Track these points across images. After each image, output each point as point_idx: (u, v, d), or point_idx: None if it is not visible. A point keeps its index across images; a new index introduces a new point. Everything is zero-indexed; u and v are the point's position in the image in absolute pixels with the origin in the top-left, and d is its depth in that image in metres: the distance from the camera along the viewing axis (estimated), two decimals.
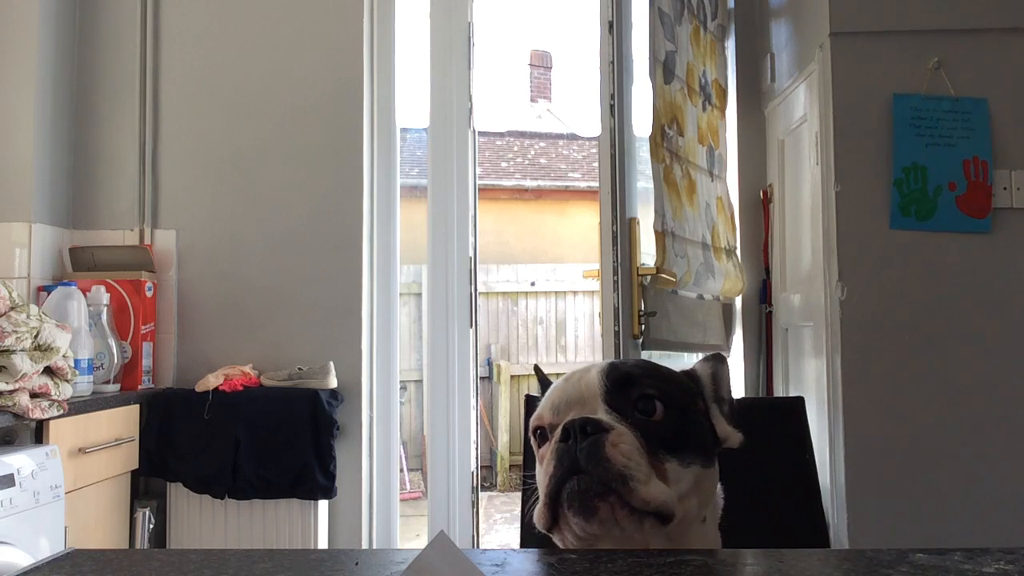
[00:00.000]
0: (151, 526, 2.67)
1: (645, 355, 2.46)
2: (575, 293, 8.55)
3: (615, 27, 2.41)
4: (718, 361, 0.96)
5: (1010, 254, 2.44)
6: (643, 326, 2.38)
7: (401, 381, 3.20)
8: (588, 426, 0.79)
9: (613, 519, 0.76)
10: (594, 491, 0.76)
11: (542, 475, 0.82)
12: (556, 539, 0.83)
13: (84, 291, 2.58)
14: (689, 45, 2.88)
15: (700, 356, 3.22)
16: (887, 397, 2.41)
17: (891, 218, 2.46)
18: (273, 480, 2.66)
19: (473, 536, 3.08)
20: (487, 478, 7.20)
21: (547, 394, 0.90)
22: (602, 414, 0.82)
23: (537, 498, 0.83)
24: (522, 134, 11.85)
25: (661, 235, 2.47)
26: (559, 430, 0.81)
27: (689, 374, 0.94)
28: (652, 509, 0.76)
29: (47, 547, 2.03)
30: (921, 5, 2.50)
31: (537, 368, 0.97)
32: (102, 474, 2.44)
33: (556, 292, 8.52)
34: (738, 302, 3.19)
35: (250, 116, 2.98)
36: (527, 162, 11.31)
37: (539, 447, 0.88)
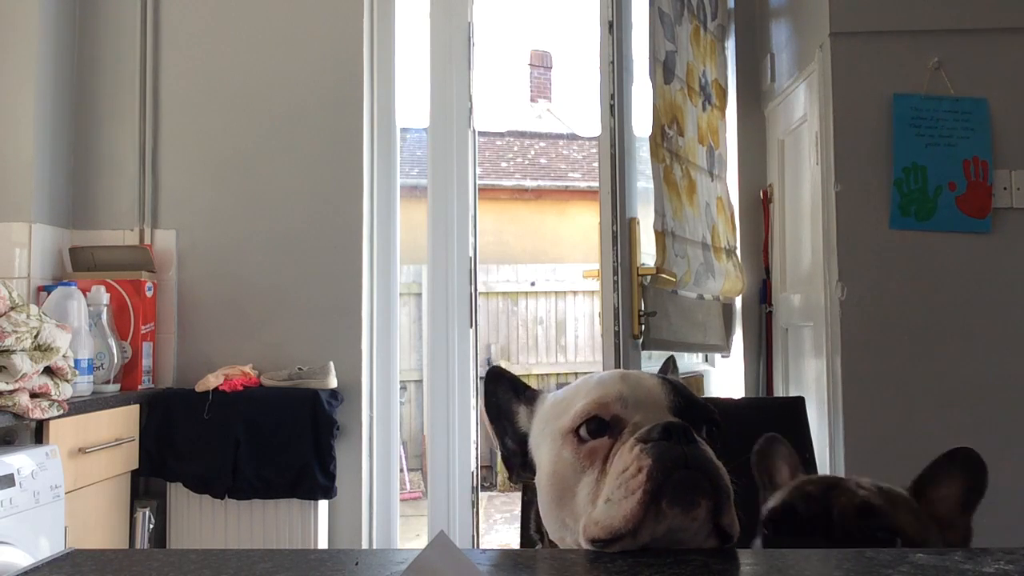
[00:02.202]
0: (151, 526, 2.67)
1: (645, 355, 2.46)
2: (575, 293, 8.56)
3: (615, 27, 2.41)
4: (674, 367, 0.98)
5: (1010, 254, 2.44)
6: (643, 326, 2.38)
7: (401, 381, 3.20)
8: (688, 433, 0.76)
9: (700, 520, 0.74)
10: (702, 488, 0.74)
11: (616, 471, 0.76)
12: (581, 540, 0.78)
13: (84, 291, 2.57)
14: (689, 45, 2.88)
15: (699, 356, 3.20)
16: (887, 397, 2.41)
17: (891, 218, 2.46)
18: (273, 480, 2.66)
19: (473, 536, 3.08)
20: (487, 478, 7.20)
21: (598, 386, 0.83)
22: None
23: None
24: (522, 134, 11.85)
25: (661, 235, 2.47)
26: (657, 428, 0.76)
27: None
28: (727, 529, 0.75)
29: (47, 547, 2.03)
30: (921, 5, 2.50)
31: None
32: (102, 474, 2.44)
33: (556, 292, 8.52)
34: (738, 302, 3.19)
35: (250, 116, 2.98)
36: (527, 162, 11.31)
37: (585, 442, 0.80)
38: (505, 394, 0.94)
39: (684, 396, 0.83)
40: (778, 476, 1.02)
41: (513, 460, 0.92)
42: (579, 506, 0.78)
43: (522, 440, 0.91)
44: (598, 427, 0.80)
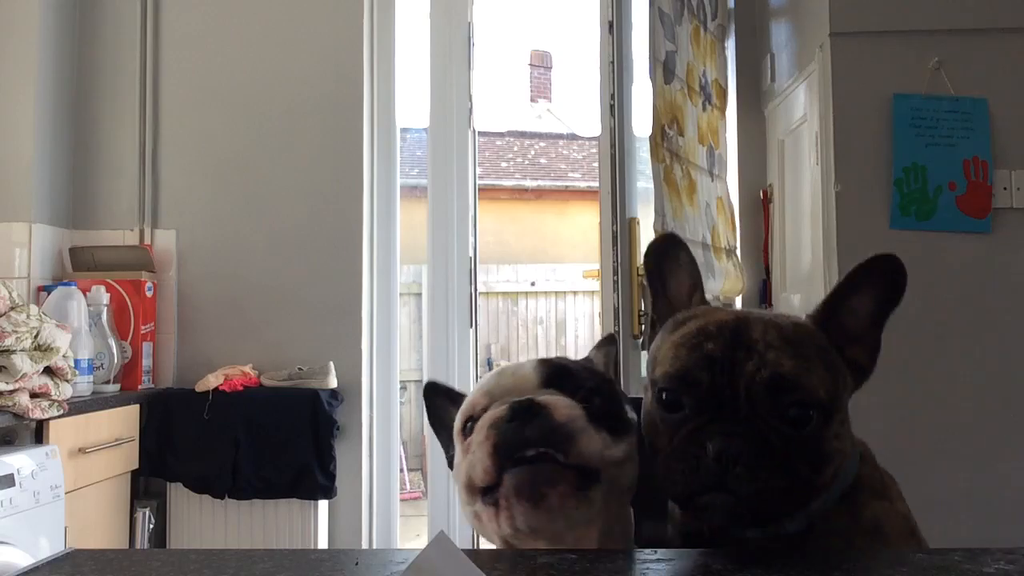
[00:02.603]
0: (151, 526, 2.67)
1: (645, 355, 2.46)
2: (575, 293, 8.56)
3: (615, 27, 2.41)
4: (611, 344, 1.00)
5: (1010, 254, 2.44)
6: (643, 326, 2.38)
7: (401, 381, 3.20)
8: (533, 405, 0.78)
9: (562, 506, 0.75)
10: (544, 476, 0.75)
11: (475, 458, 0.79)
12: (488, 527, 0.80)
13: (84, 291, 2.58)
14: (689, 45, 2.88)
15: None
16: (887, 397, 2.41)
17: (891, 218, 2.46)
18: (273, 480, 2.66)
19: (473, 536, 3.08)
20: None
21: (478, 386, 0.87)
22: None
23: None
24: (522, 134, 11.85)
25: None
26: (503, 408, 0.79)
27: (588, 364, 0.95)
28: (586, 461, 0.77)
29: (47, 547, 2.03)
30: (921, 5, 2.50)
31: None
32: (102, 474, 2.44)
33: (556, 292, 8.52)
34: (738, 302, 3.19)
35: (250, 116, 2.98)
36: (527, 162, 11.31)
37: (467, 438, 0.83)
38: (443, 405, 0.96)
39: (557, 371, 0.85)
40: (674, 286, 0.91)
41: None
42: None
43: None
44: (469, 429, 0.83)
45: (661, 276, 0.92)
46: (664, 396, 0.79)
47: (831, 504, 0.80)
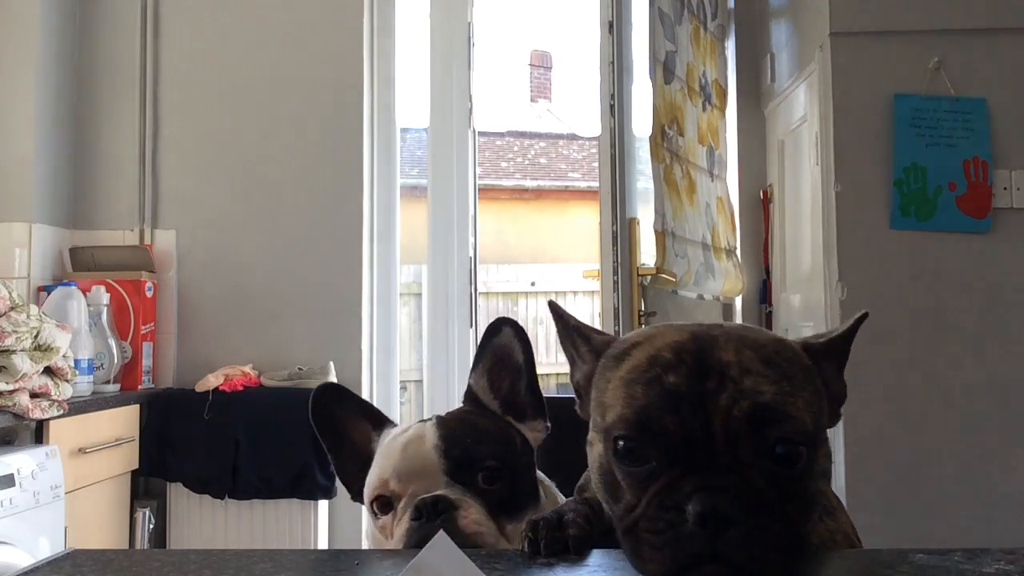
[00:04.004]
0: (151, 526, 2.66)
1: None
2: (575, 293, 8.56)
3: (615, 27, 2.41)
4: (494, 337, 0.95)
5: (1010, 254, 2.44)
6: (643, 326, 2.38)
7: (401, 381, 3.20)
8: (439, 503, 0.82)
9: None
10: None
11: (396, 543, 0.83)
12: None
13: (84, 291, 2.57)
14: (689, 45, 2.88)
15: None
16: (887, 397, 2.41)
17: (891, 218, 2.46)
18: (273, 480, 2.66)
19: None
20: None
21: (383, 461, 0.89)
22: (445, 488, 0.84)
23: None
24: (522, 134, 11.85)
25: (661, 235, 2.47)
26: (411, 507, 0.83)
27: (477, 410, 0.94)
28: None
29: (47, 547, 2.03)
30: (921, 5, 2.50)
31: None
32: (102, 474, 2.44)
33: (556, 292, 8.52)
34: (738, 302, 3.19)
35: (250, 116, 2.98)
36: (527, 162, 11.31)
37: (379, 516, 0.88)
38: (339, 411, 0.99)
39: (453, 458, 0.86)
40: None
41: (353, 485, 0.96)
42: None
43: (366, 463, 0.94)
44: (382, 505, 0.87)
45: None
46: (622, 446, 0.66)
47: None
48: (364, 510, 0.92)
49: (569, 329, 0.77)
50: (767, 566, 0.61)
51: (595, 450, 0.71)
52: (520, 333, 0.95)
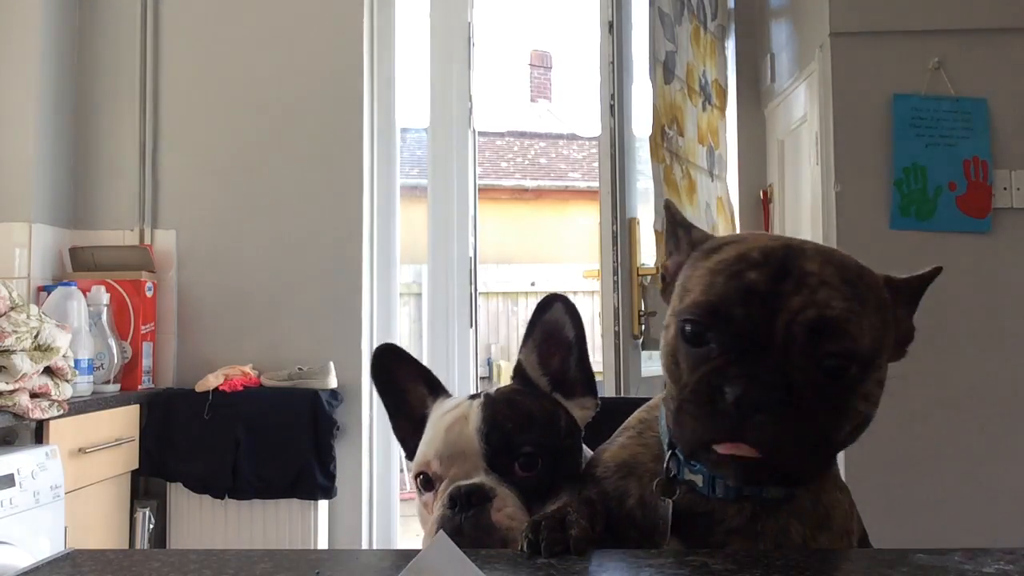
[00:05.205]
0: (151, 526, 2.67)
1: (645, 355, 2.46)
2: (575, 293, 8.55)
3: (615, 27, 2.41)
4: (544, 312, 0.94)
5: (1010, 254, 2.44)
6: (643, 326, 2.39)
7: None
8: (473, 496, 0.83)
9: None
10: None
11: (431, 527, 0.85)
12: None
13: (84, 291, 2.57)
14: (689, 45, 2.88)
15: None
16: (887, 396, 2.41)
17: (891, 218, 2.46)
18: (273, 480, 2.66)
19: None
20: None
21: (430, 439, 0.90)
22: (483, 476, 0.85)
23: None
24: (522, 134, 11.86)
25: (661, 235, 2.47)
26: (446, 495, 0.84)
27: (527, 389, 0.94)
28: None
29: (47, 547, 2.03)
30: (921, 5, 2.50)
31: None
32: (102, 474, 2.44)
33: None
34: None
35: (250, 116, 2.98)
36: (527, 162, 11.32)
37: (422, 493, 0.89)
38: (398, 369, 1.00)
39: (493, 444, 0.86)
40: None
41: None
42: None
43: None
44: (425, 482, 0.89)
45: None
46: (688, 328, 0.71)
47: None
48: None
49: (675, 223, 0.82)
50: (788, 457, 0.66)
51: (668, 333, 0.75)
52: (571, 309, 0.95)
